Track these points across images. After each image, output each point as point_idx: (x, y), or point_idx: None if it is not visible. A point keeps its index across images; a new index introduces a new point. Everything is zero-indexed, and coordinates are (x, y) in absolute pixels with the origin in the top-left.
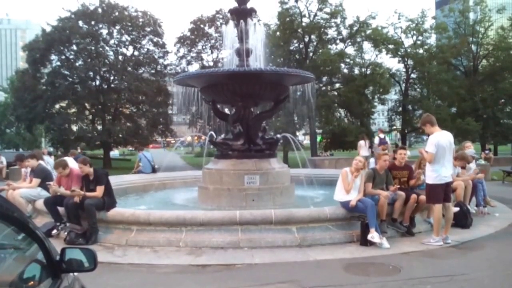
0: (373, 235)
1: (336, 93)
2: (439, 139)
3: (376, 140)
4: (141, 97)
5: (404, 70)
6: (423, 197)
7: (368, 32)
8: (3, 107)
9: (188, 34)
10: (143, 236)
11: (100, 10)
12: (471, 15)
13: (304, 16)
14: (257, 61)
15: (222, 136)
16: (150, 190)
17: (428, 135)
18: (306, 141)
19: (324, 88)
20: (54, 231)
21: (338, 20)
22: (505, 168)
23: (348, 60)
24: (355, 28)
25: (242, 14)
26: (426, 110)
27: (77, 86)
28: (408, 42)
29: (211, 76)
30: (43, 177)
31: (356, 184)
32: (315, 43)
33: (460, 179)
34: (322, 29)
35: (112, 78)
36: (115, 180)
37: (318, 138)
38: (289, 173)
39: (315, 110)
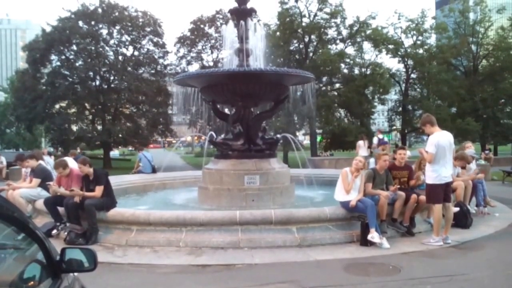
0: (373, 235)
1: (336, 93)
2: (439, 139)
3: (375, 140)
4: (141, 97)
5: (404, 70)
6: (423, 197)
7: (368, 32)
8: (3, 107)
9: (188, 34)
10: (143, 236)
11: (100, 10)
12: (471, 15)
13: (304, 16)
14: (257, 61)
15: (222, 136)
16: (150, 190)
17: (428, 135)
18: (306, 141)
19: (324, 88)
20: (54, 231)
21: (338, 20)
22: (505, 168)
23: (348, 60)
24: (355, 28)
25: (242, 14)
26: (426, 110)
27: (77, 86)
28: (408, 42)
29: (211, 76)
30: (43, 177)
31: (356, 184)
32: (315, 43)
33: (460, 179)
34: (322, 29)
35: (112, 78)
36: (115, 180)
37: (318, 138)
38: (289, 173)
39: (315, 110)
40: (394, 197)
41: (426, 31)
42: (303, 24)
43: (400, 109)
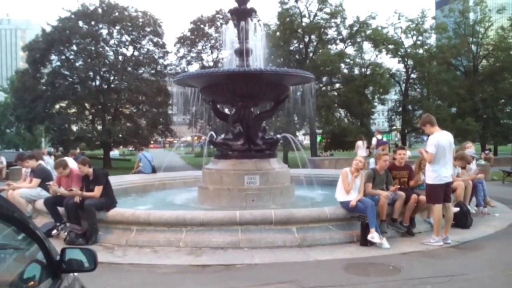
0: (373, 235)
1: (336, 93)
2: (439, 139)
3: (374, 141)
4: (141, 97)
5: (404, 70)
6: (423, 197)
7: (368, 32)
8: (3, 107)
9: (188, 34)
10: (143, 236)
11: (100, 10)
12: (471, 15)
13: (304, 16)
14: (257, 61)
15: (222, 136)
16: (150, 190)
17: (428, 136)
18: (306, 141)
19: (324, 88)
20: (54, 231)
21: (338, 20)
22: (505, 168)
23: (348, 60)
24: (355, 28)
25: (242, 14)
26: (426, 110)
27: (77, 86)
28: (408, 42)
29: (211, 76)
30: (43, 177)
31: (356, 184)
32: (315, 43)
33: (460, 179)
34: (322, 29)
35: (112, 78)
36: (115, 180)
37: (318, 138)
38: (289, 173)
39: (315, 110)
40: (394, 197)
41: (426, 31)
42: (303, 24)
43: (400, 109)
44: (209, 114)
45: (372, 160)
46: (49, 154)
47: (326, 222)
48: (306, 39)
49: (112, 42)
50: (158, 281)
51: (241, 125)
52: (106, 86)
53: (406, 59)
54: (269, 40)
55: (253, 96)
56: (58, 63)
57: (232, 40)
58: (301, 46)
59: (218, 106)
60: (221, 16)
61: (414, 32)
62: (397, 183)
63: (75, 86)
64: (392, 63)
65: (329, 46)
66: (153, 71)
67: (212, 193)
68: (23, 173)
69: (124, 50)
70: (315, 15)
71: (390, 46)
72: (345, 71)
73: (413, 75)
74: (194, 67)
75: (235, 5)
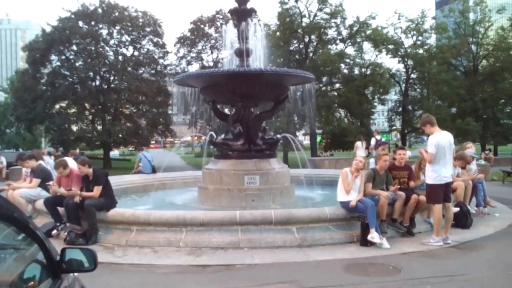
0: (373, 236)
1: (336, 93)
2: (439, 139)
3: (373, 141)
4: (141, 97)
5: (404, 70)
6: (423, 197)
7: (368, 32)
8: (3, 107)
9: (188, 34)
10: (143, 236)
11: (100, 10)
12: (471, 15)
13: (304, 16)
14: (257, 61)
15: (222, 136)
16: (150, 190)
17: (428, 136)
18: (306, 141)
19: (324, 88)
20: (54, 231)
21: (338, 20)
22: (505, 168)
23: (348, 60)
24: (355, 29)
25: (242, 14)
26: (426, 111)
27: (77, 86)
28: (408, 42)
29: (211, 76)
30: (43, 177)
31: (356, 185)
32: (315, 43)
33: (460, 180)
34: (322, 29)
35: (112, 78)
36: (115, 180)
37: (318, 138)
38: (289, 173)
39: (315, 110)
40: (394, 197)
41: (426, 31)
42: (303, 24)
43: (400, 109)
44: (209, 114)
45: (372, 160)
46: (49, 154)
47: (326, 222)
48: (306, 39)
49: (112, 42)
50: (158, 281)
51: (241, 125)
52: (106, 86)
53: (406, 59)
54: (269, 40)
55: (253, 96)
56: (58, 63)
57: (232, 40)
58: (301, 46)
59: (218, 106)
60: (221, 16)
61: (414, 32)
62: (397, 183)
63: (75, 86)
64: (392, 63)
65: (329, 46)
66: (153, 71)
67: (212, 193)
68: (23, 173)
69: (124, 50)
70: (315, 15)
71: (390, 46)
72: (345, 71)
73: (413, 75)
74: (194, 67)
75: (235, 5)
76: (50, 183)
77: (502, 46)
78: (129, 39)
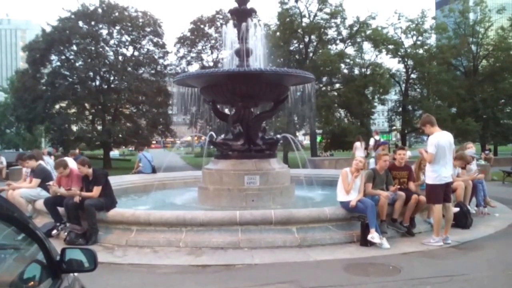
0: (373, 236)
1: (336, 93)
2: (439, 139)
3: (372, 141)
4: (141, 97)
5: (404, 70)
6: (423, 197)
7: (368, 32)
8: (3, 107)
9: (188, 34)
10: (143, 236)
11: (100, 10)
12: (471, 16)
13: (304, 16)
14: (257, 61)
15: (222, 136)
16: (150, 190)
17: (428, 136)
18: (306, 141)
19: (324, 88)
20: (54, 231)
21: (338, 21)
22: (505, 168)
23: (348, 60)
24: (355, 29)
25: (242, 14)
26: (426, 111)
27: (77, 86)
28: (408, 42)
29: (211, 76)
30: (43, 177)
31: (356, 185)
32: (315, 44)
33: (460, 180)
34: (322, 30)
35: (112, 78)
36: (115, 180)
37: (318, 138)
38: (289, 174)
39: (315, 110)
40: (394, 197)
41: (426, 31)
42: (303, 24)
43: (400, 109)
44: (209, 114)
45: (372, 161)
46: (49, 154)
47: (326, 222)
48: (306, 39)
49: (112, 42)
50: (158, 281)
51: (241, 125)
52: (106, 86)
53: (406, 59)
54: (269, 40)
55: (253, 96)
56: (58, 63)
57: (232, 40)
58: (301, 46)
59: (218, 106)
60: (221, 16)
61: (414, 32)
62: (397, 183)
63: (75, 86)
64: (392, 63)
65: (329, 46)
66: (153, 71)
67: (212, 193)
68: (23, 173)
69: (124, 50)
70: (315, 15)
71: (390, 46)
72: (345, 71)
73: (413, 75)
74: (194, 67)
75: (235, 5)
76: (50, 183)
77: (502, 46)
78: (129, 39)
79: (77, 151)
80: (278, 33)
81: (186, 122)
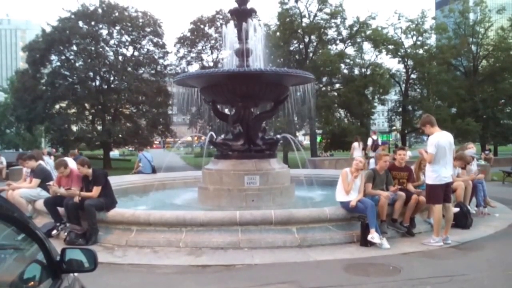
0: (373, 236)
1: (336, 93)
2: (439, 139)
3: (369, 141)
4: (141, 97)
5: (404, 70)
6: (423, 198)
7: (368, 32)
8: (3, 107)
9: (188, 34)
10: (143, 236)
11: (100, 10)
12: (471, 16)
13: (304, 16)
14: (257, 61)
15: (222, 136)
16: (150, 190)
17: (428, 136)
18: (306, 141)
19: (324, 88)
20: (54, 232)
21: (338, 21)
22: (505, 168)
23: (348, 60)
24: (355, 29)
25: (242, 14)
26: (426, 111)
27: (77, 86)
28: (408, 42)
29: (211, 77)
30: (43, 177)
31: (356, 185)
32: (315, 44)
33: (460, 180)
34: (322, 30)
35: (112, 78)
36: (115, 181)
37: (318, 138)
38: (289, 174)
39: (315, 110)
40: (394, 198)
41: (426, 32)
42: (303, 24)
43: (400, 109)
44: (209, 114)
45: (372, 161)
46: (49, 154)
47: (326, 222)
48: (306, 40)
49: (112, 42)
50: (158, 281)
51: (241, 126)
52: (106, 86)
53: (406, 60)
54: (269, 40)
55: (253, 97)
56: (58, 63)
57: (232, 40)
58: (301, 46)
59: (218, 106)
60: (221, 16)
61: (414, 33)
62: (397, 183)
63: (75, 86)
64: (392, 63)
65: (329, 47)
66: (153, 71)
67: (212, 193)
68: (23, 173)
69: (124, 50)
70: (315, 15)
71: (390, 47)
72: (345, 71)
73: (413, 76)
74: (194, 67)
75: (235, 5)
76: (50, 183)
77: (502, 46)
78: (129, 39)
79: (76, 151)
80: (278, 33)
81: (186, 122)
